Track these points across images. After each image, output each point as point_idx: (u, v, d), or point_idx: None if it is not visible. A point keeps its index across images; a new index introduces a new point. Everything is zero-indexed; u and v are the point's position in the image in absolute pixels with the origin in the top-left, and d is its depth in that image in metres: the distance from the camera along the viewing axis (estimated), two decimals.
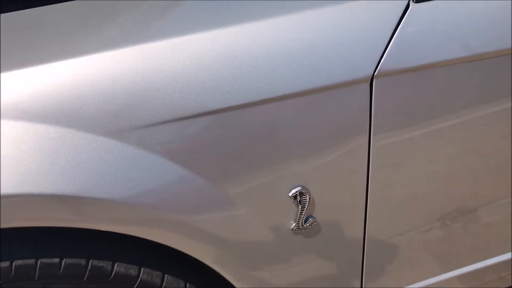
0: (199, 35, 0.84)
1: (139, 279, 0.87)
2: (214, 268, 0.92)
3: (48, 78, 0.77)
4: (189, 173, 0.84)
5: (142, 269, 0.88)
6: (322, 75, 0.86)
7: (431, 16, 0.90)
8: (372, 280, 1.07)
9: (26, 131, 0.75)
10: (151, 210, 0.82)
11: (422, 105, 0.92)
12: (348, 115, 0.89)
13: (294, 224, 0.92)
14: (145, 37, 0.83)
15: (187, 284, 0.94)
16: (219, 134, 0.84)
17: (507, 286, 1.21)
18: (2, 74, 0.77)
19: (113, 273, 0.85)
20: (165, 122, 0.81)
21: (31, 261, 0.79)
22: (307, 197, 0.91)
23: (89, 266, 0.83)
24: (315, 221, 0.93)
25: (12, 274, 0.78)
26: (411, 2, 0.90)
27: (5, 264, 0.78)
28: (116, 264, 0.85)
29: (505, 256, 1.15)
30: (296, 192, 0.90)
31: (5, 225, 0.73)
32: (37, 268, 0.80)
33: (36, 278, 0.80)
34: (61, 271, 0.81)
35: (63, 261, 0.81)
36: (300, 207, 0.91)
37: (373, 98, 0.89)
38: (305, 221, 0.93)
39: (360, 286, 1.07)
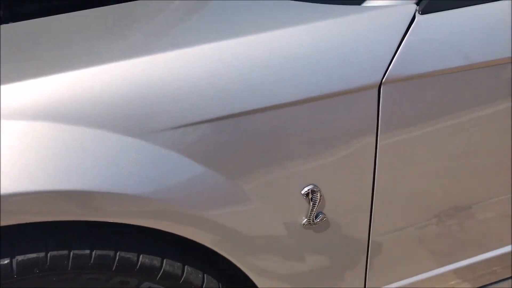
0: (220, 43, 0.90)
1: (162, 270, 0.93)
2: (229, 259, 0.99)
3: (82, 83, 0.83)
4: (208, 171, 0.90)
5: (164, 260, 0.94)
6: (334, 81, 0.92)
7: (435, 27, 0.97)
8: (375, 272, 1.14)
9: (69, 133, 0.81)
10: (174, 205, 0.88)
11: (426, 109, 0.99)
12: (357, 118, 0.96)
13: (306, 219, 0.99)
14: (169, 45, 0.90)
15: (205, 275, 1.00)
16: (237, 135, 0.90)
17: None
18: (34, 80, 0.83)
19: (139, 264, 0.91)
20: (186, 125, 0.87)
21: (65, 252, 0.86)
22: (318, 194, 0.97)
23: (117, 257, 0.89)
24: (324, 217, 1.00)
25: (47, 264, 0.85)
26: (416, 14, 0.96)
27: (40, 254, 0.84)
28: (141, 256, 0.91)
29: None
30: (308, 190, 0.96)
31: (48, 218, 0.80)
32: (70, 258, 0.86)
33: (69, 268, 0.86)
34: (91, 261, 0.87)
35: (93, 252, 0.88)
36: (311, 204, 0.98)
37: (381, 103, 0.95)
38: (316, 217, 0.99)
39: (364, 276, 1.14)
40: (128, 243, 0.92)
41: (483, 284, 1.31)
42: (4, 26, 1.11)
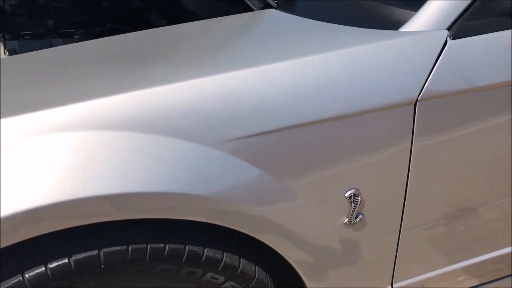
0: (283, 63, 1.03)
1: (223, 262, 1.06)
2: (279, 252, 1.11)
3: (167, 98, 0.95)
4: (264, 173, 1.02)
5: (224, 253, 1.07)
6: (376, 98, 1.05)
7: (464, 50, 1.10)
8: (402, 265, 1.27)
9: (149, 141, 0.93)
10: (235, 204, 1.01)
11: (455, 122, 1.12)
12: (396, 130, 1.08)
13: (347, 219, 1.12)
14: (237, 64, 1.02)
15: (256, 267, 1.13)
16: (292, 144, 1.02)
17: None
18: (123, 95, 0.95)
19: (204, 256, 1.04)
20: (251, 136, 0.99)
21: (143, 245, 0.98)
22: (359, 197, 1.10)
23: (186, 251, 1.02)
24: (363, 217, 1.13)
25: (129, 256, 0.97)
26: (448, 39, 1.09)
27: (123, 247, 0.97)
28: (205, 249, 1.04)
29: None
30: (351, 193, 1.09)
31: (137, 216, 0.92)
32: (147, 251, 0.98)
33: (147, 260, 0.99)
34: (165, 254, 1.00)
35: (167, 246, 1.00)
36: (353, 206, 1.11)
37: (416, 117, 1.08)
38: (356, 217, 1.12)
39: (392, 269, 1.27)
40: (194, 238, 1.04)
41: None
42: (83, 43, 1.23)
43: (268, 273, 1.17)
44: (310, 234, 1.11)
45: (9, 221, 0.83)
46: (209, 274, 1.06)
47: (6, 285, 0.92)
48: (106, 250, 0.96)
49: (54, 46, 1.58)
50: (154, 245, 0.99)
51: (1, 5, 1.70)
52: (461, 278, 1.34)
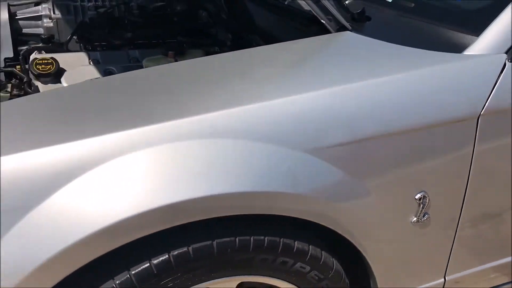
0: (365, 82, 1.19)
1: (309, 253, 1.21)
2: (355, 244, 1.26)
3: (276, 111, 1.11)
4: (348, 176, 1.18)
5: (310, 246, 1.22)
6: (444, 112, 1.21)
7: None
8: (456, 262, 1.43)
9: (264, 150, 1.09)
10: (323, 200, 1.16)
11: None
12: (460, 141, 1.25)
13: (415, 218, 1.28)
14: (325, 83, 1.18)
15: (334, 259, 1.28)
16: (373, 151, 1.18)
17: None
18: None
19: (295, 248, 1.19)
20: (341, 144, 1.15)
21: (247, 237, 1.14)
22: (427, 199, 1.26)
23: (281, 242, 1.17)
24: (429, 217, 1.29)
25: (236, 246, 1.13)
26: (506, 62, 1.25)
27: (232, 239, 1.12)
28: (296, 242, 1.20)
29: None
30: (421, 195, 1.25)
31: (262, 212, 1.10)
32: (251, 242, 1.14)
33: (250, 250, 1.14)
34: (265, 245, 1.15)
35: (266, 238, 1.16)
36: (421, 207, 1.27)
37: (478, 130, 1.24)
38: (423, 216, 1.28)
39: (446, 265, 1.43)
40: (287, 231, 1.20)
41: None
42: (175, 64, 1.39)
43: (344, 267, 1.33)
44: (383, 230, 1.27)
45: (154, 213, 0.99)
46: (298, 264, 1.21)
47: (135, 271, 1.07)
48: (218, 241, 1.12)
49: (131, 57, 1.74)
50: (256, 237, 1.15)
51: (82, 18, 1.86)
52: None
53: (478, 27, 1.30)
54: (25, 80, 1.55)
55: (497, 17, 1.28)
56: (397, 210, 1.26)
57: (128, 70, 1.67)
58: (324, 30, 1.40)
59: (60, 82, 1.60)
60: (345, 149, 1.16)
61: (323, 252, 1.25)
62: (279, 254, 1.18)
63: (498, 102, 1.24)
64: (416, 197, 1.25)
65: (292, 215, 1.14)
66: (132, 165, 1.01)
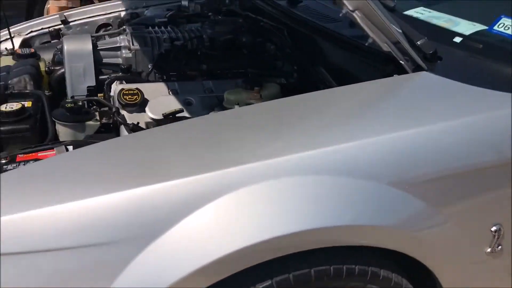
0: (445, 124, 1.29)
1: (381, 276, 1.30)
2: (430, 269, 1.35)
3: (369, 149, 1.22)
4: (425, 204, 1.27)
5: (381, 270, 1.31)
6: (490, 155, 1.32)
7: None
8: None
9: (361, 185, 1.19)
10: (402, 231, 1.26)
11: None
12: None
13: (490, 249, 1.37)
14: (406, 124, 1.29)
15: (403, 280, 1.37)
16: (453, 185, 1.28)
17: None
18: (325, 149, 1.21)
19: (381, 276, 1.29)
20: (425, 180, 1.25)
21: (341, 266, 1.24)
22: (502, 231, 1.35)
23: (369, 271, 1.27)
24: (502, 247, 1.38)
25: (331, 275, 1.23)
26: None
27: (327, 267, 1.22)
28: (382, 270, 1.29)
29: None
30: (496, 228, 1.34)
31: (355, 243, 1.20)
32: (344, 270, 1.24)
33: (343, 277, 1.24)
34: (356, 272, 1.25)
35: (356, 267, 1.25)
36: (496, 238, 1.36)
37: None
38: (497, 247, 1.37)
39: None
40: (366, 259, 1.30)
41: None
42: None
43: None
44: (460, 259, 1.36)
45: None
46: None
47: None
48: (315, 268, 1.21)
49: (205, 87, 1.85)
50: (348, 266, 1.25)
51: (158, 50, 1.97)
52: None
53: None
54: (114, 109, 1.66)
55: None
56: (472, 240, 1.36)
57: (205, 101, 1.79)
58: (399, 69, 1.50)
59: (144, 111, 1.71)
60: (430, 184, 1.26)
61: (394, 274, 1.34)
62: (368, 281, 1.28)
63: None
64: (492, 229, 1.35)
65: (381, 246, 1.24)
66: (250, 197, 1.13)
